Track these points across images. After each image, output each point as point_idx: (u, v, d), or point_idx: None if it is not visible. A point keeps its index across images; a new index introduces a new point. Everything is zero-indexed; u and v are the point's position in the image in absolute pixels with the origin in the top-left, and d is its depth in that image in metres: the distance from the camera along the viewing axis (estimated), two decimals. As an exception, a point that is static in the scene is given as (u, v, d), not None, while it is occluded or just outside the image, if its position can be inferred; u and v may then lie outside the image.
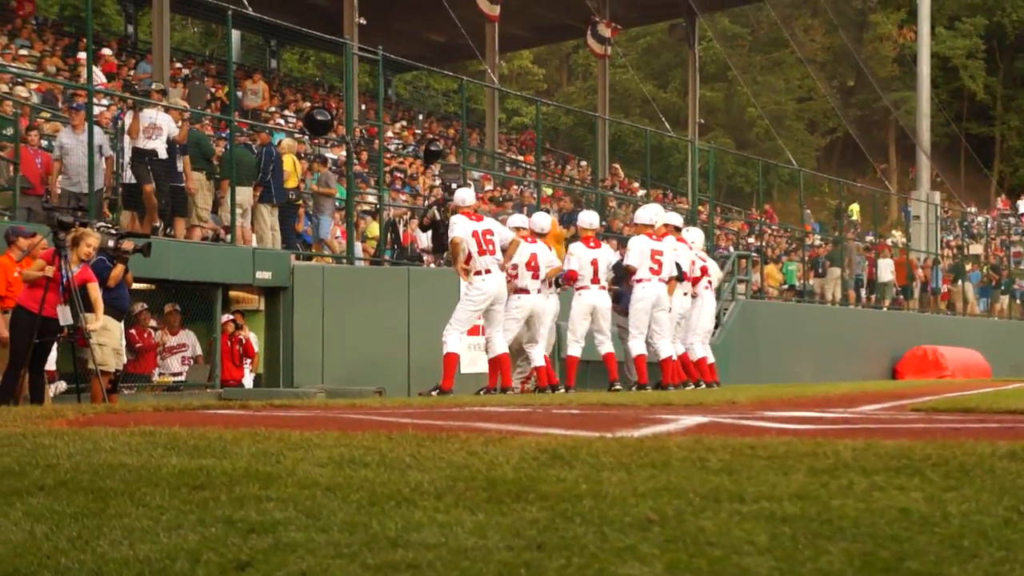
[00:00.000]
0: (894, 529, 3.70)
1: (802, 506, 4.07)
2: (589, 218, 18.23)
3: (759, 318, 28.53)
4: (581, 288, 17.37)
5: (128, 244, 14.96)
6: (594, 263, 17.35)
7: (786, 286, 36.29)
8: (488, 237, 15.77)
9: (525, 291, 16.59)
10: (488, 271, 15.74)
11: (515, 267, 16.44)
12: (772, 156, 54.06)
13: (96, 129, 18.21)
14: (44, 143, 19.17)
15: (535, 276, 16.63)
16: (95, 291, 14.31)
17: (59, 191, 17.87)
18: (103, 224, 15.71)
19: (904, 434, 6.90)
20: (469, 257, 15.71)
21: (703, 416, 8.94)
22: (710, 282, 19.59)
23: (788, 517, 3.89)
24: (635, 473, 4.93)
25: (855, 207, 50.70)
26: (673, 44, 61.21)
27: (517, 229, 16.86)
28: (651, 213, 18.37)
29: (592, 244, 17.60)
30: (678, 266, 18.01)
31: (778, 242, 42.39)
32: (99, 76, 25.85)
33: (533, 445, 5.88)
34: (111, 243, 14.78)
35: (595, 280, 17.37)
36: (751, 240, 39.91)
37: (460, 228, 15.77)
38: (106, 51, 30.90)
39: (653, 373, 17.90)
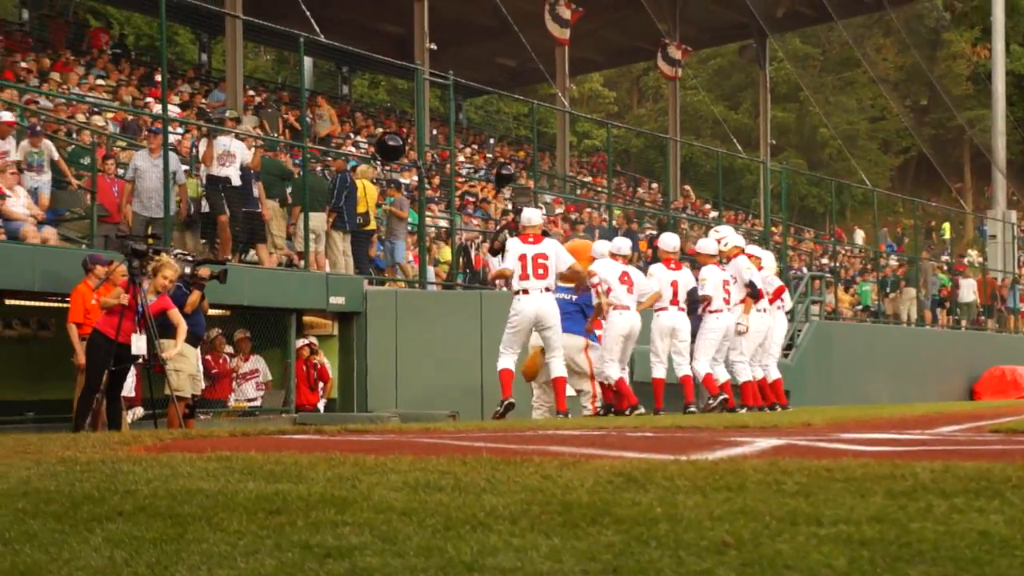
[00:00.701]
0: (974, 552, 3.66)
1: (880, 529, 4.04)
2: (670, 240, 18.18)
3: (834, 339, 28.32)
4: (660, 309, 17.34)
5: (204, 271, 15.11)
6: (674, 284, 17.33)
7: (860, 307, 36.02)
8: (540, 261, 15.59)
9: (625, 307, 16.59)
10: (526, 291, 15.60)
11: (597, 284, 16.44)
12: (845, 176, 53.74)
13: (171, 156, 18.36)
14: (120, 172, 19.38)
15: (630, 291, 16.61)
16: (176, 316, 14.46)
17: (131, 215, 18.00)
18: (179, 251, 15.88)
19: (983, 456, 6.81)
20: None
21: (778, 438, 8.88)
22: (782, 302, 19.51)
23: (866, 540, 3.85)
24: (710, 496, 4.91)
25: (947, 226, 50.25)
26: (744, 65, 60.92)
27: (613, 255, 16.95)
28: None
29: (673, 266, 17.57)
30: (752, 284, 17.94)
31: (852, 262, 42.08)
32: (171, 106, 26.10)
33: (608, 468, 5.86)
34: (187, 270, 14.93)
35: (674, 302, 17.34)
36: (824, 261, 39.64)
37: (510, 255, 15.83)
38: (184, 86, 31.23)
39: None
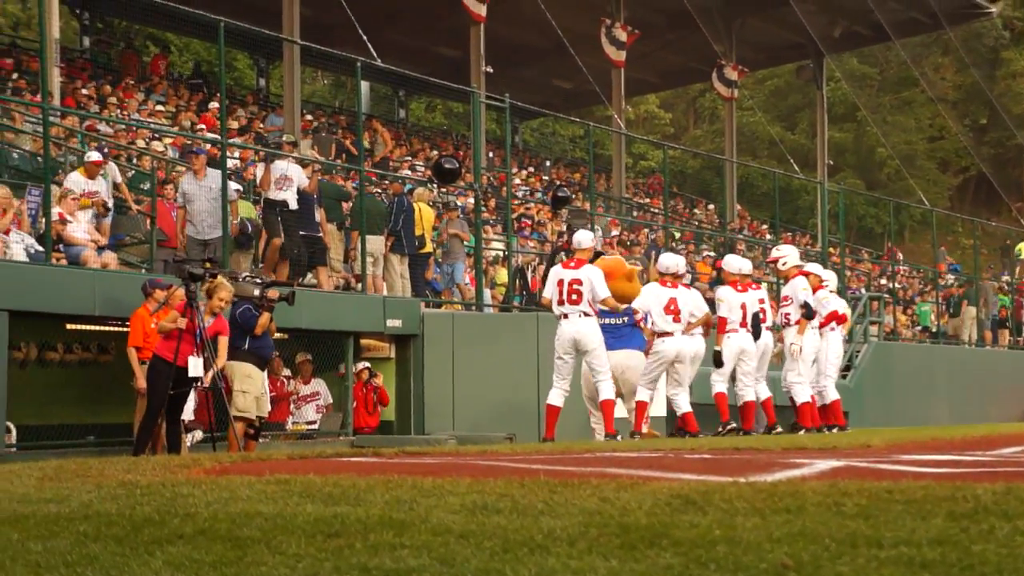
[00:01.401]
0: (1038, 575, 3.63)
1: (942, 551, 4.00)
2: (737, 263, 18.17)
3: (893, 360, 28.12)
4: (730, 331, 17.34)
5: (273, 293, 15.22)
6: (743, 307, 17.34)
7: (919, 327, 35.74)
8: (574, 287, 15.73)
9: (668, 334, 16.57)
10: (565, 316, 15.79)
11: (636, 312, 16.50)
12: (903, 196, 53.37)
13: (219, 174, 18.36)
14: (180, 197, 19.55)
15: (676, 320, 16.56)
16: (223, 343, 14.61)
17: (185, 239, 18.10)
18: (247, 274, 16.03)
19: (1046, 477, 6.74)
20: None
21: (837, 460, 8.82)
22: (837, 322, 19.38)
23: (928, 563, 3.82)
24: (769, 518, 4.89)
25: (1021, 246, 49.74)
26: (801, 85, 60.71)
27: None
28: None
29: (740, 288, 17.56)
30: (806, 305, 17.86)
31: (911, 283, 41.79)
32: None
33: (666, 490, 5.85)
34: (256, 292, 15.05)
35: (743, 324, 17.34)
36: (883, 281, 39.38)
37: (550, 281, 16.14)
38: (241, 111, 31.46)
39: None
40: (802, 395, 18.00)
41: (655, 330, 16.51)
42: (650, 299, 16.60)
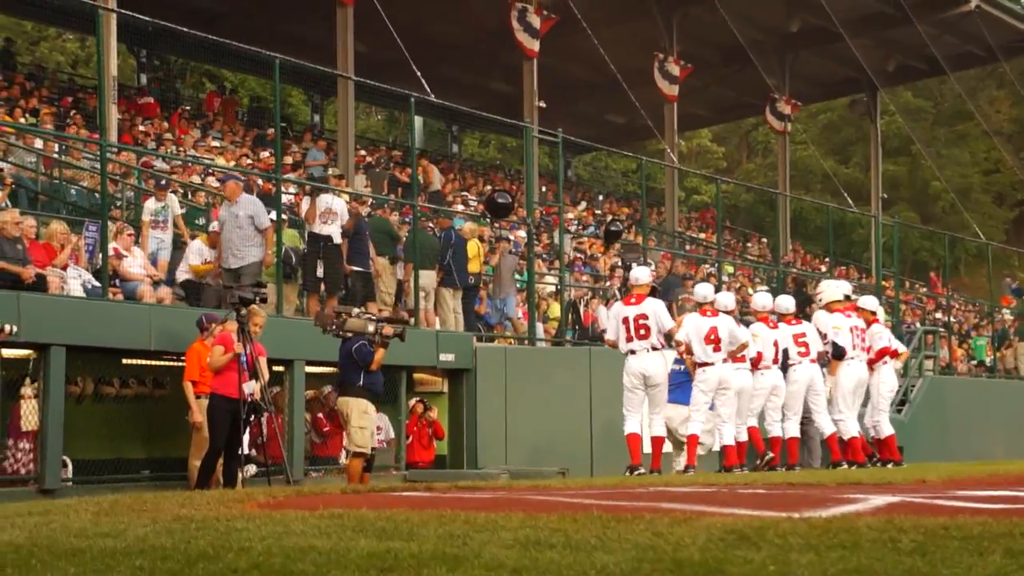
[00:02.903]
0: (1096, 613, 3.59)
1: (999, 589, 3.97)
2: (761, 300, 18.29)
3: (948, 394, 27.90)
4: (763, 368, 17.37)
5: (388, 329, 15.31)
6: (775, 343, 17.48)
7: (975, 361, 35.43)
8: (640, 322, 15.89)
9: (710, 364, 16.55)
10: (633, 352, 15.95)
11: (679, 344, 16.59)
12: (958, 230, 53.01)
13: (251, 199, 17.81)
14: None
15: (716, 349, 16.55)
16: (264, 363, 14.77)
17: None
18: (360, 309, 16.18)
19: (1105, 514, 6.67)
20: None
21: (893, 495, 8.76)
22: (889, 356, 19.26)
23: (984, 600, 3.80)
24: (824, 554, 4.86)
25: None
26: (854, 119, 60.45)
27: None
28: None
29: (772, 325, 17.57)
30: (833, 344, 17.83)
31: (967, 316, 41.46)
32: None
33: (719, 526, 5.83)
34: (371, 328, 15.18)
35: (775, 360, 17.39)
36: (938, 315, 39.10)
37: (612, 320, 16.31)
38: (296, 147, 31.66)
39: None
40: (850, 429, 17.94)
41: (696, 361, 16.54)
42: (691, 330, 16.62)
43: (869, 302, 19.44)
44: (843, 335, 17.95)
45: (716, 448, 17.35)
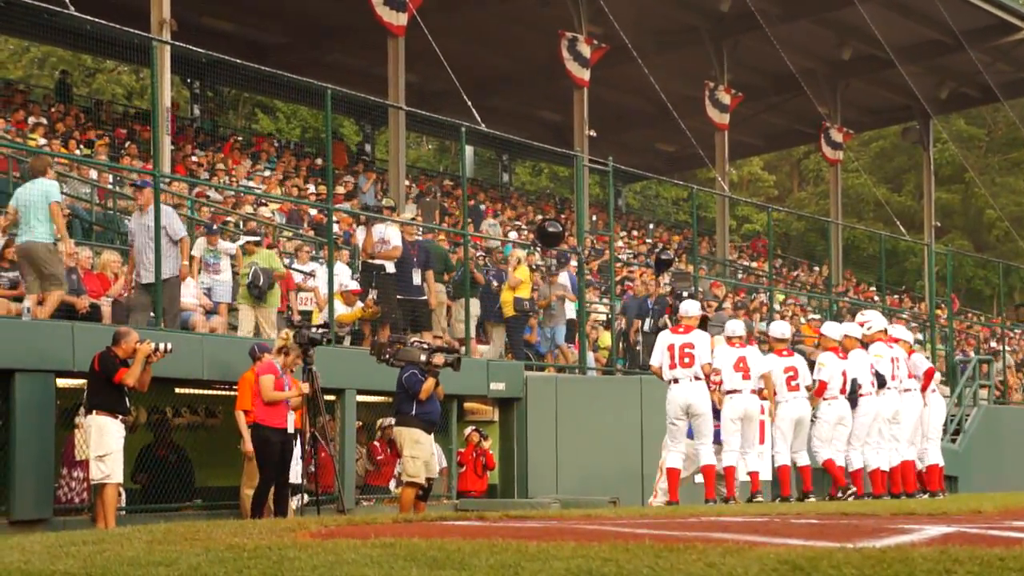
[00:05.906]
0: None
1: (1056, 620, 3.93)
2: (833, 329, 18.16)
3: (1003, 424, 27.67)
4: (830, 398, 17.24)
5: (439, 358, 15.36)
6: (843, 374, 17.27)
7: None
8: (686, 351, 15.97)
9: (737, 392, 16.57)
10: (676, 381, 15.99)
11: (717, 372, 16.51)
12: (1012, 258, 52.66)
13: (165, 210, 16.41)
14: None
15: (745, 377, 16.58)
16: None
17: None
18: (415, 339, 16.27)
19: None
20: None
21: (947, 526, 8.69)
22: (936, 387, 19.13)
23: (1041, 632, 3.76)
24: (878, 585, 4.82)
25: None
26: (907, 147, 60.17)
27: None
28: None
29: (841, 355, 17.45)
30: (878, 374, 17.70)
31: (1022, 345, 41.09)
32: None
33: (772, 556, 5.79)
34: (423, 357, 15.25)
35: (843, 390, 17.27)
36: (993, 344, 38.78)
37: (658, 347, 16.30)
38: (349, 177, 31.76)
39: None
40: (873, 462, 17.81)
41: (725, 389, 16.51)
42: (721, 358, 16.62)
43: (901, 331, 19.34)
44: (883, 364, 17.87)
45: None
